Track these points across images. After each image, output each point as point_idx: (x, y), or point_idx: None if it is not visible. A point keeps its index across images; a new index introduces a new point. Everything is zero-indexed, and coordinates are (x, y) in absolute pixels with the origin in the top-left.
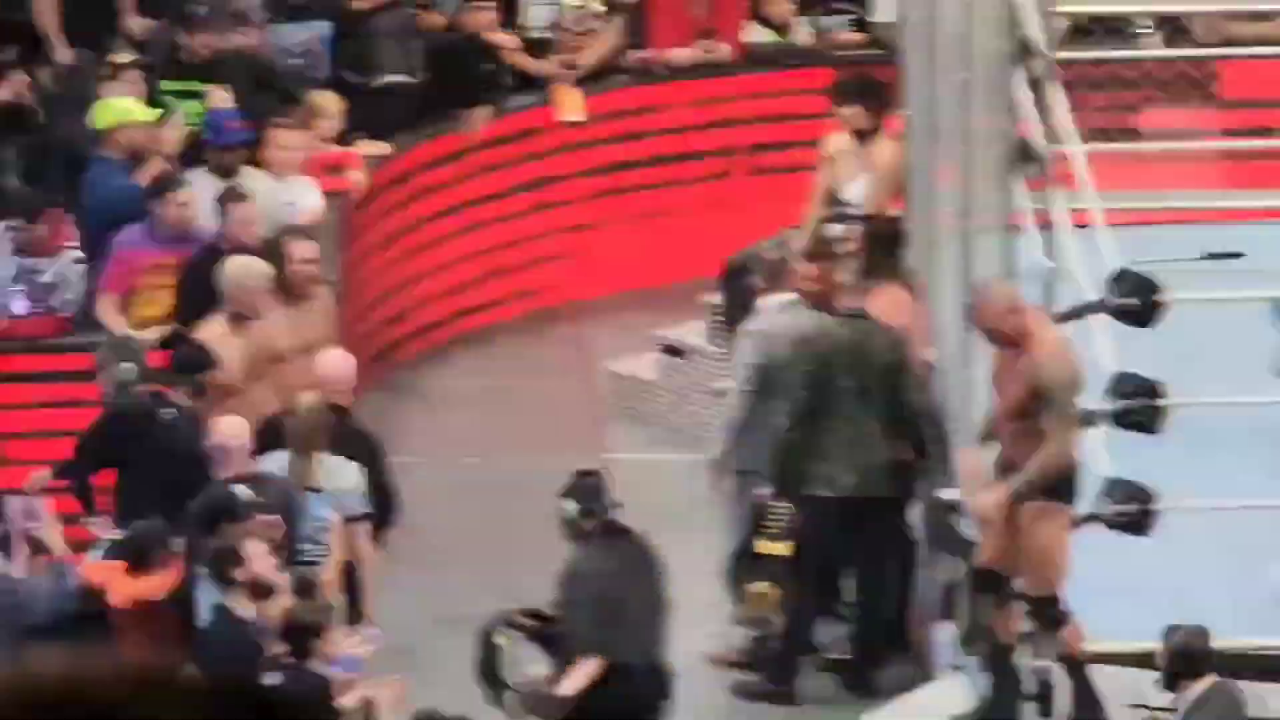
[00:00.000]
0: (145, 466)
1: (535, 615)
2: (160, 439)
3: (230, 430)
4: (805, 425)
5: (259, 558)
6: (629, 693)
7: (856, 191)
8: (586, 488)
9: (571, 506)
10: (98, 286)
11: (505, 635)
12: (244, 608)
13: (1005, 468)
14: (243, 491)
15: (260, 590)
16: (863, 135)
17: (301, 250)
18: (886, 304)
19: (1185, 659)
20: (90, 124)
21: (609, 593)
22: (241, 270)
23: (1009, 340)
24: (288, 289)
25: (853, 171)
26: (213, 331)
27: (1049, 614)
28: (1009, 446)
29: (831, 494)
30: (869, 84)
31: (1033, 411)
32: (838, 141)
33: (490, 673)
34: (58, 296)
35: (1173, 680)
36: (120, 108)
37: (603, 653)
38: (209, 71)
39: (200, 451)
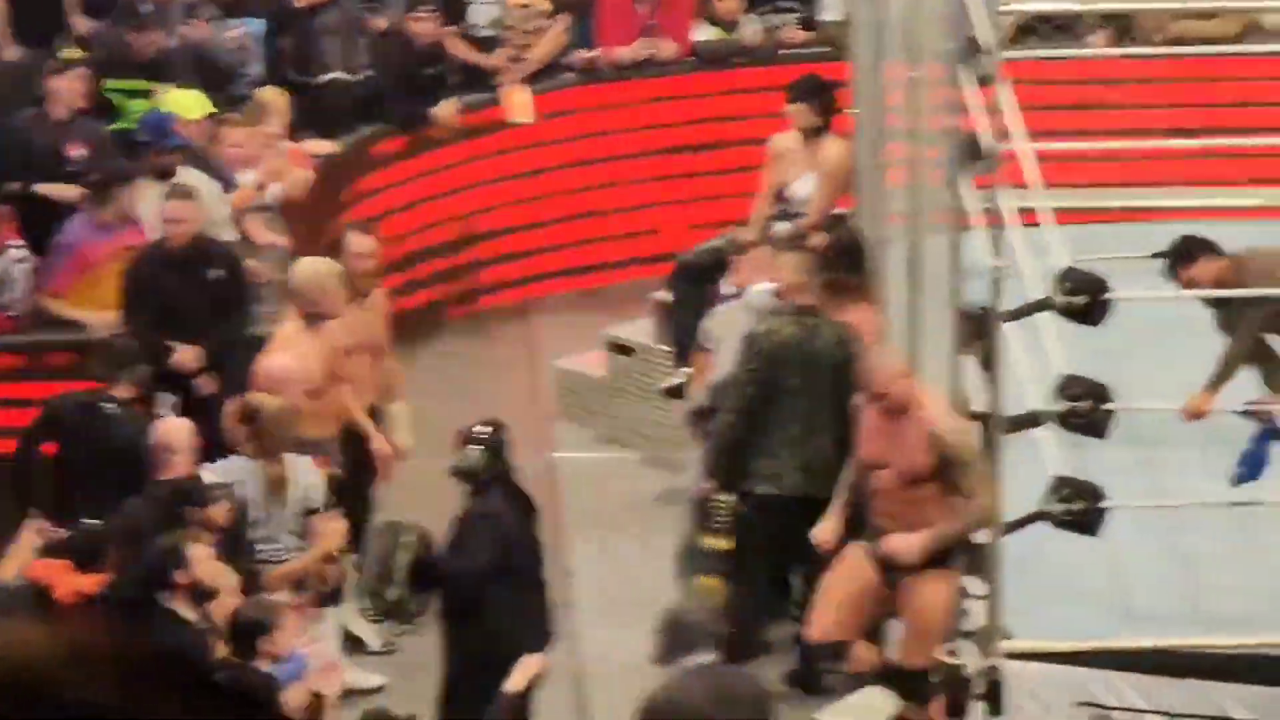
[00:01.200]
0: (84, 462)
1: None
2: (100, 433)
3: (173, 432)
4: (752, 422)
5: (202, 561)
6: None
7: (803, 189)
8: (491, 438)
9: (475, 454)
10: (48, 288)
11: (407, 541)
12: (185, 609)
13: (883, 530)
14: (208, 476)
15: (201, 594)
16: (811, 133)
17: (360, 245)
18: (854, 323)
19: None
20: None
21: (509, 537)
22: (313, 269)
23: (895, 407)
24: (348, 286)
25: (800, 169)
26: (287, 333)
27: (921, 690)
28: (898, 510)
29: (778, 492)
30: (817, 82)
31: (936, 476)
32: (785, 139)
33: (386, 560)
34: (3, 295)
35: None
36: (178, 101)
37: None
38: (156, 70)
39: (141, 447)
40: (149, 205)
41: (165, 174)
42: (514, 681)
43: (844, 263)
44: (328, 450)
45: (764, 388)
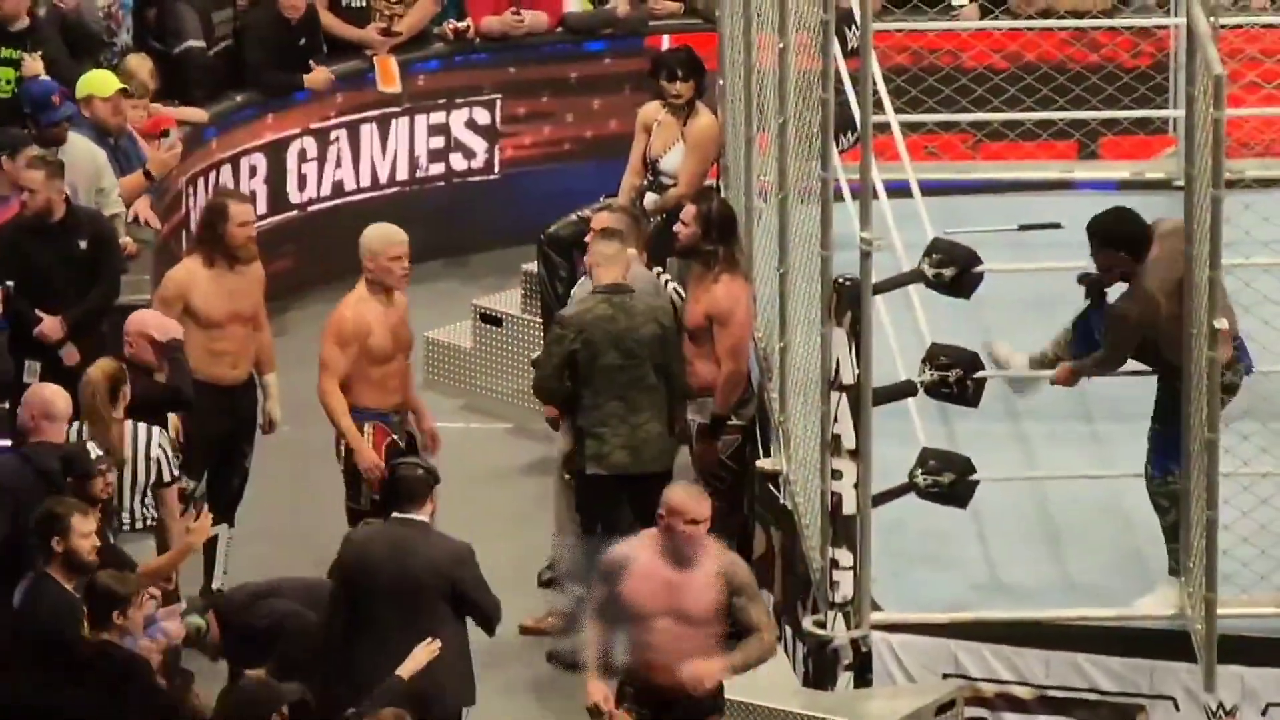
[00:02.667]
0: None
1: None
2: None
3: (54, 399)
4: (575, 403)
5: (83, 535)
6: None
7: (672, 161)
8: None
9: None
10: None
11: None
12: (61, 578)
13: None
14: (93, 447)
15: (76, 566)
16: (680, 106)
17: (240, 213)
18: (725, 293)
19: None
20: None
21: None
22: (382, 236)
23: (687, 545)
24: (228, 253)
25: (669, 141)
26: (353, 300)
27: None
28: (678, 656)
29: (604, 472)
30: (686, 55)
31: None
32: (653, 110)
33: None
34: None
35: None
36: (93, 82)
37: None
38: (22, 38)
39: None
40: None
41: (52, 142)
42: (405, 667)
43: (715, 234)
44: (391, 421)
45: (584, 368)
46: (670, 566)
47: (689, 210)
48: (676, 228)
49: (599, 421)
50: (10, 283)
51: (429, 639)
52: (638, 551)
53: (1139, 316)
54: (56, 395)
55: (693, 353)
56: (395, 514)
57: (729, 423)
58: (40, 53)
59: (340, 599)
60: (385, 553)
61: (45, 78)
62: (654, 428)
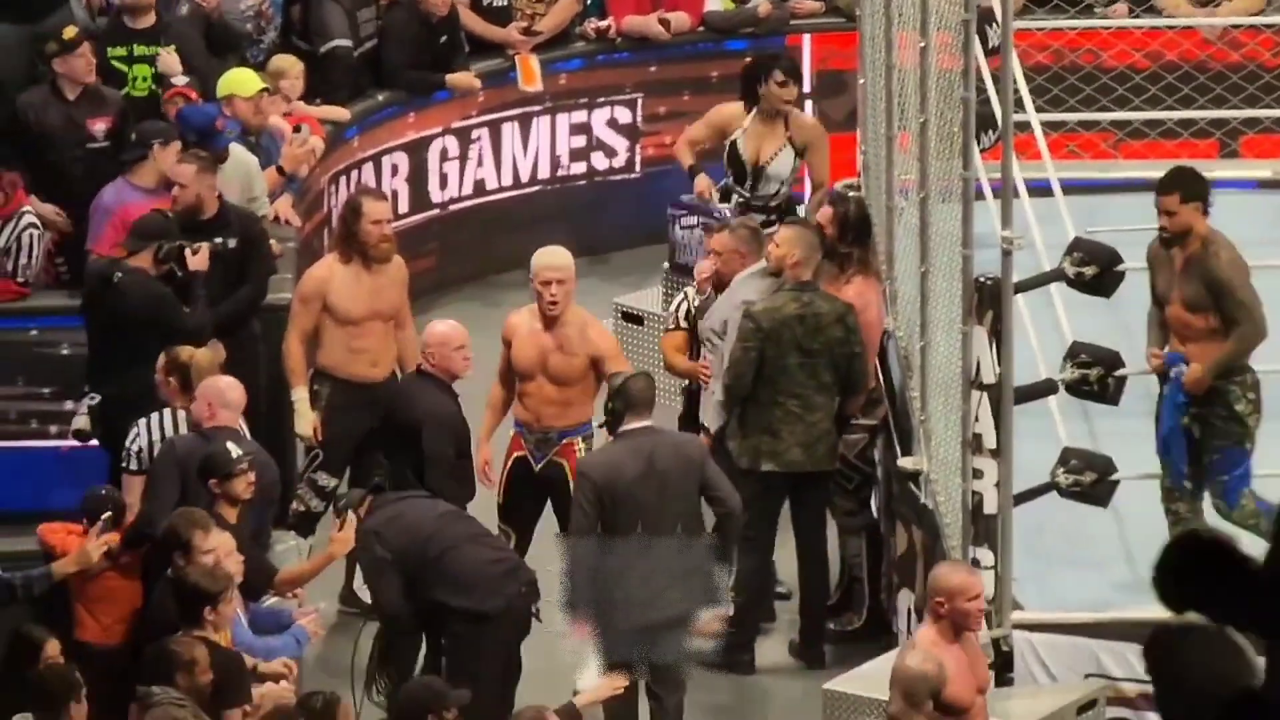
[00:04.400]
0: (96, 330)
1: None
2: (109, 302)
3: (229, 389)
4: (751, 400)
5: (204, 552)
6: None
7: (783, 166)
8: None
9: None
10: (93, 248)
11: None
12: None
13: None
14: (233, 447)
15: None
16: (777, 111)
17: (375, 210)
18: (857, 293)
19: None
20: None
21: None
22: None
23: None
24: (362, 251)
25: (774, 146)
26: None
27: None
28: None
29: (778, 469)
30: (792, 59)
31: None
32: (737, 116)
33: None
34: (12, 263)
35: None
36: (235, 80)
37: None
38: (155, 35)
39: (144, 317)
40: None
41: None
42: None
43: (850, 236)
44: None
45: (764, 365)
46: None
47: (825, 212)
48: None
49: (777, 419)
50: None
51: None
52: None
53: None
54: (231, 385)
55: None
56: (626, 426)
57: (856, 421)
58: (174, 47)
59: (593, 519)
60: (633, 460)
61: (202, 104)
62: (826, 427)
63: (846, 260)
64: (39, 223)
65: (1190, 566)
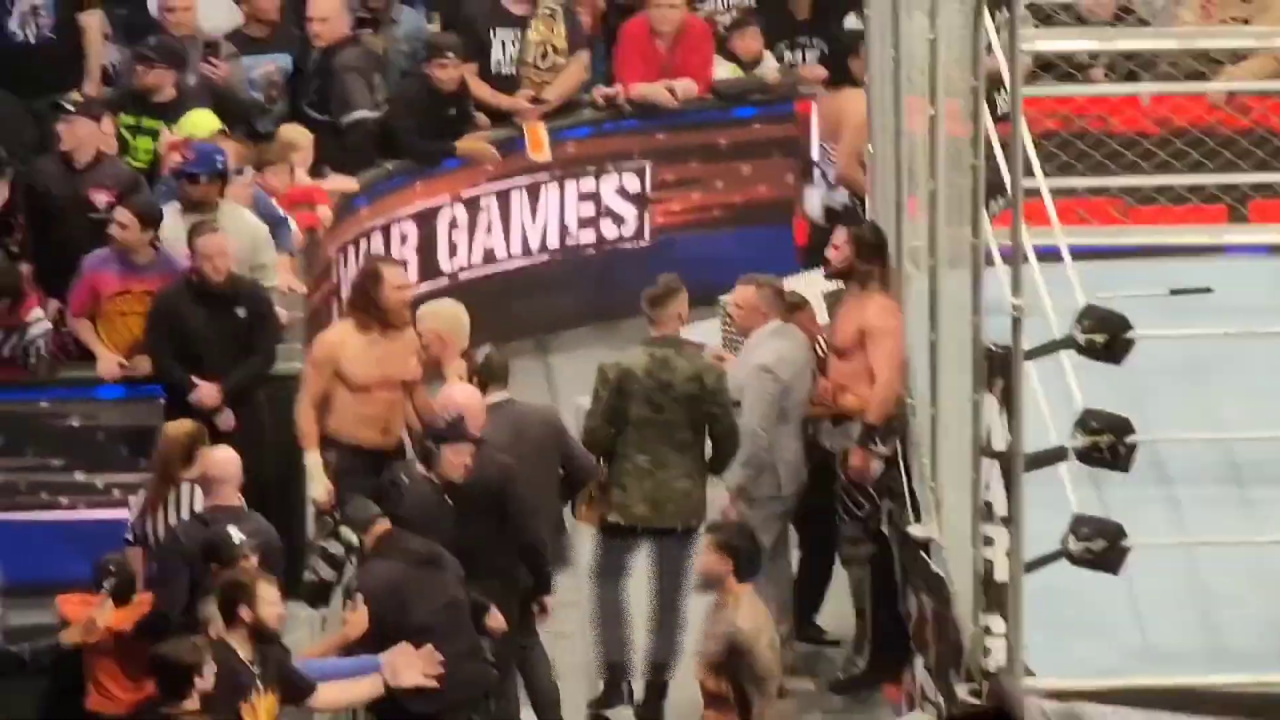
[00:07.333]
0: None
1: None
2: None
3: (223, 463)
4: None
5: (271, 603)
6: None
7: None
8: None
9: None
10: (69, 308)
11: None
12: (241, 646)
13: None
14: (234, 532)
15: (262, 635)
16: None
17: (396, 277)
18: (879, 307)
19: None
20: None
21: None
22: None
23: None
24: (382, 317)
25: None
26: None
27: None
28: None
29: (623, 522)
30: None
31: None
32: None
33: None
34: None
35: None
36: (193, 120)
37: None
38: (171, 108)
39: None
40: (176, 235)
41: (197, 205)
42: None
43: (868, 254)
44: None
45: (615, 417)
46: None
47: (840, 234)
48: (828, 251)
49: (625, 472)
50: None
51: None
52: None
53: None
54: (228, 459)
55: (844, 374)
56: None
57: (874, 449)
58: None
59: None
60: (499, 432)
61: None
62: (682, 484)
63: (867, 278)
64: (49, 326)
65: None
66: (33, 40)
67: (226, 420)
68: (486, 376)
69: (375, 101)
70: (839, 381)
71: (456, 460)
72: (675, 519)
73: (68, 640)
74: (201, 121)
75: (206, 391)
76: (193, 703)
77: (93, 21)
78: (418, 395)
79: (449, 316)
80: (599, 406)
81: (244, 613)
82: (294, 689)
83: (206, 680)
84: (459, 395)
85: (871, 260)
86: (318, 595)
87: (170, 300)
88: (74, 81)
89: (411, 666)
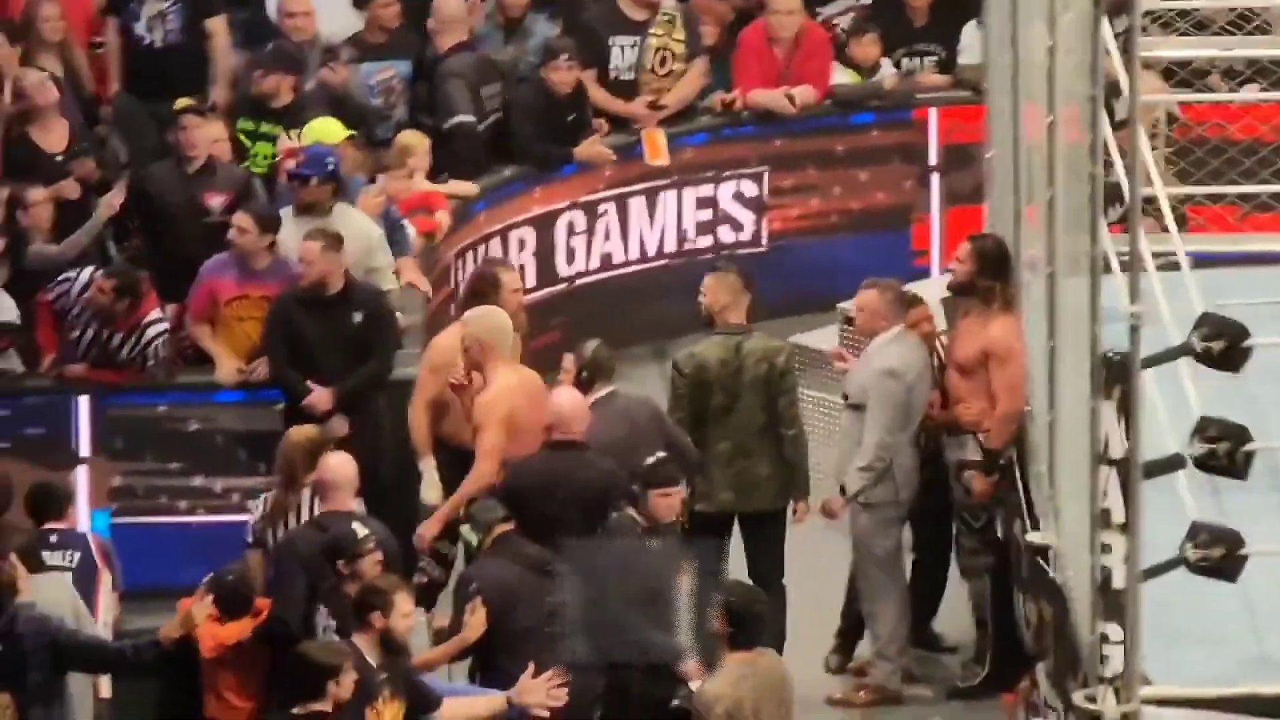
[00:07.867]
0: None
1: None
2: None
3: (339, 468)
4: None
5: (405, 615)
6: None
7: None
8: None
9: None
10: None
11: None
12: (369, 651)
13: None
14: (359, 527)
15: (392, 646)
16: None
17: (513, 281)
18: (1003, 330)
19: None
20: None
21: None
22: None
23: None
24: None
25: None
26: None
27: None
28: None
29: (710, 510)
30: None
31: None
32: None
33: None
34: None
35: None
36: (319, 128)
37: None
38: (285, 115)
39: None
40: (291, 239)
41: (309, 209)
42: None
43: (991, 270)
44: None
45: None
46: None
47: (964, 247)
48: (951, 265)
49: (709, 461)
50: None
51: None
52: None
53: None
54: (343, 464)
55: (964, 389)
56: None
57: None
58: (299, 130)
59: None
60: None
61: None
62: (764, 469)
63: (990, 295)
64: (167, 328)
65: None
66: (159, 44)
67: (340, 426)
68: (593, 372)
69: (482, 109)
70: (958, 396)
71: (665, 504)
72: (762, 502)
73: (167, 634)
74: (328, 129)
75: (319, 396)
76: (324, 704)
77: (220, 26)
78: (465, 398)
79: (493, 323)
80: (678, 399)
81: (376, 619)
82: (422, 700)
83: (345, 688)
84: (563, 400)
85: (994, 276)
86: (427, 596)
87: (284, 305)
88: (201, 86)
89: (538, 689)
